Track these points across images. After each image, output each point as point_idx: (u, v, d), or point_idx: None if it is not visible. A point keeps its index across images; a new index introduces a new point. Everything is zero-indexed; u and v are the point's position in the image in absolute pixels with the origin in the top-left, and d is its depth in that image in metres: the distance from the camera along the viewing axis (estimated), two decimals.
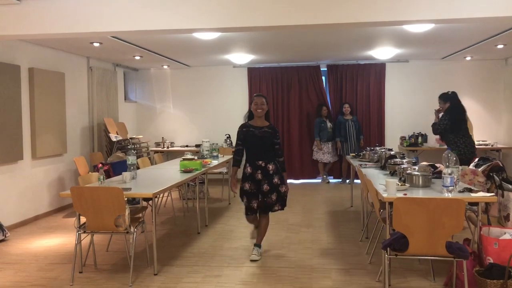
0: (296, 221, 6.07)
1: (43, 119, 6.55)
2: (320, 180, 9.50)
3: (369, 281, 3.89)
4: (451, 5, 3.94)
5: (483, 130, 9.13)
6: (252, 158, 4.47)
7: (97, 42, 6.55)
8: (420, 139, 8.89)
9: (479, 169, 4.18)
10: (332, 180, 9.54)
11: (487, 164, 4.25)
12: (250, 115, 4.60)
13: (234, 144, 4.47)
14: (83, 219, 3.98)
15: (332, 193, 8.22)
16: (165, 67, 9.69)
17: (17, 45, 6.15)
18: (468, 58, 8.81)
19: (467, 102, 9.11)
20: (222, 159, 6.96)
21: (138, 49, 7.21)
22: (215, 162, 6.40)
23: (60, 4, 4.30)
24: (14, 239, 5.48)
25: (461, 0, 3.93)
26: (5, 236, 5.43)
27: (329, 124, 9.18)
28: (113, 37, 5.99)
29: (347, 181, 9.09)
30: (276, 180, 4.43)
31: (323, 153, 9.19)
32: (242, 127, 4.53)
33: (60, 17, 4.31)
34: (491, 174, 4.09)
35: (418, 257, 3.28)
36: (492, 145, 8.69)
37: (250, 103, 4.71)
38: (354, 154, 7.02)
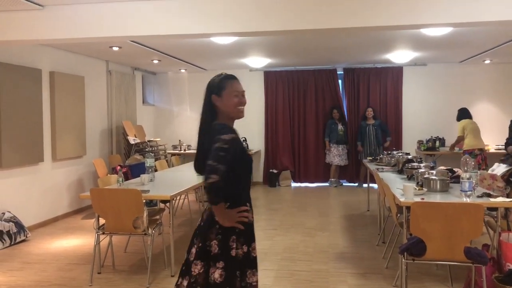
0: (312, 225, 6.07)
1: (63, 122, 6.67)
2: (328, 184, 9.46)
3: (385, 285, 3.87)
4: (469, 9, 3.91)
5: (502, 134, 8.97)
6: (247, 194, 2.40)
7: (116, 46, 6.65)
8: (437, 143, 8.79)
9: (499, 174, 4.13)
10: (346, 184, 9.49)
11: (507, 169, 4.19)
12: (213, 115, 2.46)
13: (219, 162, 2.12)
14: (102, 221, 4.04)
15: (348, 197, 8.18)
16: (183, 70, 9.78)
17: (38, 49, 6.28)
18: (487, 62, 8.71)
19: (486, 106, 9.04)
20: None
21: (156, 53, 7.30)
22: None
23: (81, 10, 4.39)
24: (35, 239, 5.59)
25: (478, 4, 3.90)
26: (26, 237, 5.54)
27: (340, 127, 9.17)
28: (132, 41, 6.08)
29: (364, 185, 9.04)
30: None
31: (333, 156, 9.19)
32: (236, 138, 2.32)
33: (81, 23, 4.40)
34: (510, 179, 4.04)
35: (436, 262, 3.25)
36: None
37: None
38: (371, 158, 6.98)
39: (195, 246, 2.29)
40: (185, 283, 2.27)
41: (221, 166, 2.10)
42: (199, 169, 2.42)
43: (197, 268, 2.23)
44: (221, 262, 2.20)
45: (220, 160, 2.11)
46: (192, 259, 2.26)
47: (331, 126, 9.19)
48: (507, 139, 6.65)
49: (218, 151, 2.14)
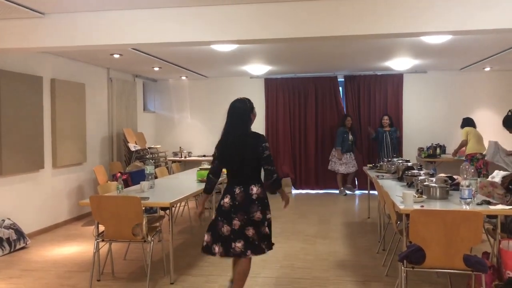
0: (312, 232, 6.05)
1: (64, 129, 6.69)
2: (338, 192, 9.39)
3: None
4: (469, 17, 3.93)
5: (503, 142, 8.96)
6: None
7: (117, 54, 6.68)
8: (438, 150, 8.78)
9: (498, 181, 4.13)
10: (358, 192, 9.41)
11: (506, 175, 4.19)
12: (249, 126, 3.56)
13: (273, 165, 3.45)
14: (101, 228, 4.04)
15: (349, 204, 8.17)
16: (184, 78, 9.81)
17: (39, 56, 6.31)
18: (487, 69, 8.72)
19: (486, 113, 9.04)
20: None
21: (157, 61, 7.33)
22: None
23: (82, 18, 4.42)
24: (34, 246, 5.58)
25: (478, 12, 3.92)
26: (26, 244, 5.54)
27: (350, 136, 9.07)
28: (133, 49, 6.11)
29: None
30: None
31: (341, 164, 9.08)
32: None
33: (82, 30, 4.43)
34: (510, 186, 4.03)
35: (436, 270, 3.24)
36: None
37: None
38: (371, 165, 6.97)
39: (237, 219, 3.33)
40: (239, 244, 3.32)
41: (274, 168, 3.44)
42: (226, 159, 3.48)
43: (250, 232, 3.34)
44: (265, 223, 3.41)
45: (273, 163, 3.44)
46: (237, 228, 3.33)
47: (344, 135, 9.03)
48: None
49: (269, 156, 3.41)
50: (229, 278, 3.66)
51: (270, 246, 3.46)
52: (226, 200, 3.40)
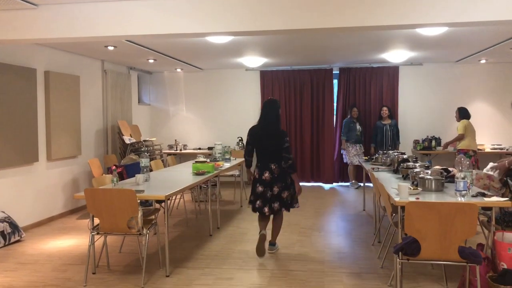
0: (308, 225, 6.07)
1: (58, 122, 6.65)
2: (349, 184, 9.31)
3: (381, 285, 3.87)
4: (465, 8, 3.92)
5: (498, 134, 9.04)
6: None
7: (111, 46, 6.63)
8: (433, 143, 8.80)
9: (497, 176, 4.13)
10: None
11: (497, 165, 4.20)
12: (280, 122, 4.75)
13: (290, 153, 4.64)
14: (96, 221, 4.03)
15: (345, 197, 8.19)
16: (179, 70, 9.76)
17: (33, 48, 6.25)
18: (483, 61, 8.73)
19: (481, 106, 9.07)
20: (234, 161, 6.98)
21: (152, 53, 7.29)
22: (227, 165, 6.43)
23: (75, 9, 4.37)
24: (29, 239, 5.56)
25: (475, 4, 3.91)
26: (21, 237, 5.52)
27: (358, 127, 8.94)
28: (127, 40, 6.06)
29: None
30: None
31: (353, 156, 8.92)
32: None
33: (75, 22, 4.39)
34: (505, 179, 4.05)
35: (431, 261, 3.26)
36: (507, 149, 8.59)
37: (262, 107, 4.85)
38: (367, 158, 6.98)
39: (276, 186, 4.56)
40: (276, 204, 4.58)
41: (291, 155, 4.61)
42: (262, 146, 4.64)
43: (285, 194, 4.60)
44: (291, 189, 4.65)
45: (290, 152, 4.56)
46: (277, 193, 4.57)
47: (350, 125, 8.92)
48: None
49: (288, 148, 4.54)
50: (258, 232, 4.73)
51: (297, 204, 4.76)
52: (266, 174, 4.61)
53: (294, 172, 4.61)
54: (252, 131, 4.70)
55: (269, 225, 4.81)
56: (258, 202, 4.63)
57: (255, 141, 4.67)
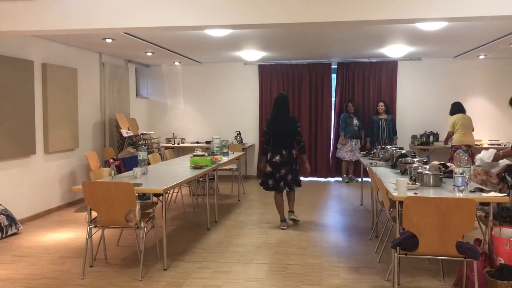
0: (305, 219, 6.07)
1: (55, 114, 6.62)
2: (341, 179, 9.35)
3: (378, 280, 3.88)
4: (465, 3, 3.90)
5: (496, 130, 9.05)
6: None
7: (109, 38, 6.59)
8: (431, 138, 8.81)
9: (494, 172, 4.14)
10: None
11: (502, 167, 4.20)
12: (289, 111, 5.76)
13: (262, 136, 5.99)
14: (94, 214, 4.02)
15: (342, 191, 8.20)
16: (177, 63, 9.72)
17: (30, 40, 6.21)
18: (481, 57, 8.72)
19: (480, 101, 9.07)
20: (232, 155, 6.97)
21: (150, 46, 7.25)
22: (225, 159, 6.42)
23: (73, 1, 4.33)
24: (27, 232, 5.55)
25: None
26: (18, 230, 5.51)
27: (355, 121, 8.98)
28: (125, 33, 6.02)
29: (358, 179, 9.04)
30: None
31: (345, 151, 9.01)
32: None
33: (73, 14, 4.35)
34: (503, 174, 4.05)
35: (428, 256, 3.26)
36: (505, 145, 8.60)
37: (275, 101, 5.67)
38: (365, 153, 6.98)
39: (284, 169, 5.49)
40: (289, 176, 5.52)
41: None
42: (276, 133, 5.54)
43: (289, 177, 5.51)
44: (294, 173, 5.57)
45: (301, 135, 5.53)
46: (283, 175, 5.50)
47: (346, 120, 8.98)
48: None
49: (300, 132, 5.54)
50: (280, 219, 5.66)
51: (299, 184, 5.70)
52: (277, 158, 5.51)
53: (304, 153, 5.60)
54: (268, 123, 5.61)
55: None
56: (270, 181, 5.55)
57: (271, 129, 5.53)
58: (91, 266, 4.24)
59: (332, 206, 6.91)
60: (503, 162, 4.23)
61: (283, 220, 5.62)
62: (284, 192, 5.66)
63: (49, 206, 6.61)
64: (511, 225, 3.83)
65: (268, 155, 5.57)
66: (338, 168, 9.53)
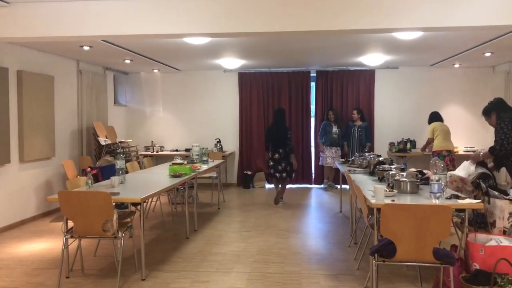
0: (285, 227, 6.07)
1: (31, 122, 6.49)
2: (323, 186, 9.45)
3: (357, 286, 3.90)
4: (440, 13, 3.99)
5: (471, 137, 9.23)
6: None
7: (87, 46, 6.51)
8: (408, 145, 8.94)
9: (469, 179, 4.21)
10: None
11: (477, 174, 4.27)
12: (285, 121, 7.86)
13: (264, 143, 8.08)
14: (70, 224, 3.95)
15: (322, 199, 8.24)
16: (156, 71, 9.66)
17: (5, 47, 6.10)
18: (456, 66, 8.91)
19: (455, 109, 9.25)
20: (212, 163, 6.94)
21: (128, 53, 7.19)
22: (204, 167, 6.39)
23: (49, 7, 4.28)
24: (0, 243, 5.41)
25: (449, 9, 3.99)
26: None
27: (335, 129, 9.07)
28: (103, 40, 5.96)
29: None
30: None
31: (326, 157, 9.10)
32: None
33: (49, 20, 4.29)
34: (478, 181, 4.13)
35: (406, 263, 3.29)
36: (480, 152, 8.76)
37: (274, 113, 7.80)
38: (343, 160, 7.04)
39: (280, 165, 7.51)
40: (284, 174, 7.51)
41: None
42: (274, 138, 7.58)
43: (284, 171, 7.55)
44: (288, 168, 7.57)
45: (291, 140, 7.63)
46: (281, 168, 7.51)
47: (326, 128, 9.10)
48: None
49: (290, 138, 7.54)
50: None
51: (292, 177, 7.65)
52: (276, 155, 7.46)
53: (292, 153, 7.48)
54: (269, 130, 7.76)
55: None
56: (271, 171, 7.53)
57: (270, 135, 7.58)
58: (67, 277, 4.16)
59: (311, 213, 6.93)
60: (478, 170, 4.31)
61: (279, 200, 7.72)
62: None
63: (24, 216, 6.46)
64: (486, 231, 3.89)
65: (270, 153, 7.52)
66: (319, 175, 9.58)
